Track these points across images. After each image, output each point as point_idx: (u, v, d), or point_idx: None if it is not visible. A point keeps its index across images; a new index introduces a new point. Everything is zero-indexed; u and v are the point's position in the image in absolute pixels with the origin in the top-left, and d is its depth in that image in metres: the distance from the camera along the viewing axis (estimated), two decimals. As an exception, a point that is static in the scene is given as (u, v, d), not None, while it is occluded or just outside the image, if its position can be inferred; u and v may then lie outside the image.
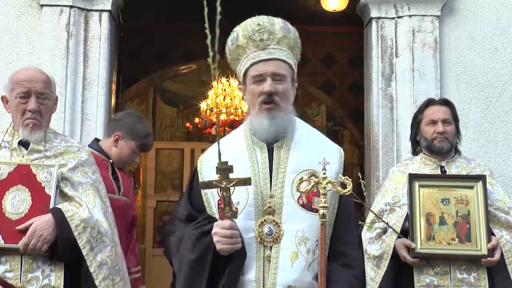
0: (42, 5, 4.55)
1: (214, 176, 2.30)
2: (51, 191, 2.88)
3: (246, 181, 2.26)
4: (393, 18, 4.68)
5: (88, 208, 2.91)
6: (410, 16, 4.65)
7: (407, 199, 3.41)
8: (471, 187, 3.38)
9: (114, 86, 5.07)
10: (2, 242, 2.80)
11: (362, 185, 3.49)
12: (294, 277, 2.30)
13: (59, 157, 2.99)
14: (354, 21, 5.36)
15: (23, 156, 2.96)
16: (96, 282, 2.82)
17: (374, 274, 3.36)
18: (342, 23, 7.57)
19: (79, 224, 2.83)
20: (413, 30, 4.63)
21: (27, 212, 2.84)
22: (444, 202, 3.39)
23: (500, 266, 3.29)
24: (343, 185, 2.32)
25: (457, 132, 3.60)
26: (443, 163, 3.56)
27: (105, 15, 4.61)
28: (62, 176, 2.93)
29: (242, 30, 2.45)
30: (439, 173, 3.53)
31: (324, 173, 2.27)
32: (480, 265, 3.30)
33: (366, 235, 3.45)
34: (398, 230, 3.35)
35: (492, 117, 4.59)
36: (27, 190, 2.87)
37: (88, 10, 4.60)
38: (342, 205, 2.42)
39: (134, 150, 3.86)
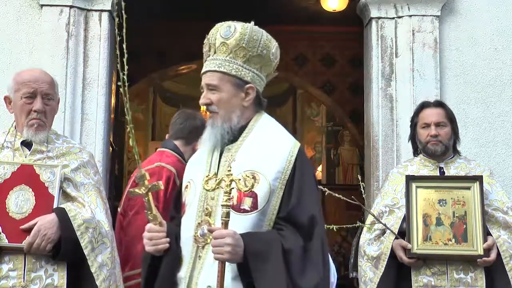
0: (42, 5, 4.55)
1: (185, 179, 2.58)
2: (54, 191, 2.89)
3: (155, 186, 2.39)
4: (393, 18, 4.68)
5: (91, 208, 2.92)
6: (410, 16, 4.65)
7: (405, 200, 3.42)
8: (468, 188, 3.39)
9: (114, 86, 5.07)
10: (6, 241, 2.80)
11: (361, 187, 3.51)
12: (214, 277, 2.31)
13: (61, 158, 3.00)
14: (354, 21, 5.36)
15: (25, 157, 2.96)
16: (97, 283, 2.83)
17: (372, 275, 3.38)
18: (342, 23, 7.56)
19: (82, 224, 2.84)
20: (413, 30, 4.63)
21: (31, 212, 2.84)
22: (441, 203, 3.40)
23: (498, 266, 3.30)
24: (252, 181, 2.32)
25: (454, 133, 3.59)
26: (442, 164, 3.56)
27: (105, 15, 4.61)
28: (64, 176, 2.94)
29: None
30: (438, 174, 3.54)
31: (229, 170, 2.30)
32: (477, 265, 3.31)
33: (365, 236, 3.47)
34: (396, 231, 3.36)
35: (492, 117, 4.59)
36: (30, 190, 2.87)
37: (88, 10, 4.60)
38: (297, 175, 2.40)
39: None
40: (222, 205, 2.26)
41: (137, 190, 2.38)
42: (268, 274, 2.25)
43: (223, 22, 2.54)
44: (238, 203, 2.36)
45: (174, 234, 2.48)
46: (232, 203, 2.34)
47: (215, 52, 2.50)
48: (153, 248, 2.42)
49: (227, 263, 2.27)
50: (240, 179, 2.29)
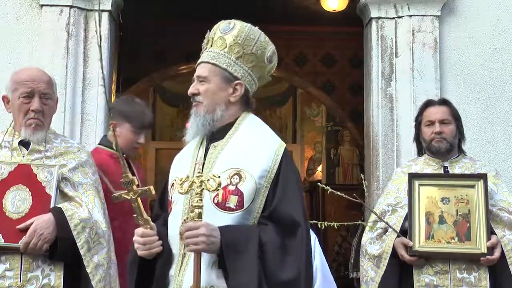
0: (42, 5, 4.55)
1: (171, 177, 2.55)
2: (51, 191, 2.88)
3: (146, 192, 2.38)
4: (393, 18, 4.68)
5: (88, 208, 2.92)
6: (410, 16, 4.65)
7: (407, 198, 3.40)
8: (472, 186, 3.35)
9: (114, 86, 5.07)
10: (3, 241, 2.80)
11: (364, 186, 3.49)
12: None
13: (59, 157, 3.00)
14: (354, 21, 5.35)
15: (23, 156, 2.96)
16: (93, 283, 2.83)
17: (374, 274, 3.35)
18: (342, 23, 7.56)
19: (78, 223, 2.84)
20: (413, 30, 4.63)
21: (28, 212, 2.84)
22: (444, 201, 3.36)
23: (502, 266, 3.25)
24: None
25: (459, 131, 3.56)
26: (446, 164, 3.52)
27: (105, 15, 4.61)
28: (62, 176, 2.94)
29: None
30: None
31: (200, 172, 2.30)
32: (481, 265, 3.26)
33: (367, 235, 3.44)
34: (398, 229, 3.34)
35: (492, 117, 4.59)
36: (27, 189, 2.87)
37: (88, 10, 4.60)
38: (282, 174, 2.40)
39: (133, 130, 3.73)
40: (194, 206, 2.25)
41: (124, 195, 2.36)
42: (241, 265, 2.24)
43: (221, 21, 2.58)
44: (223, 200, 2.35)
45: (163, 235, 2.46)
46: (218, 200, 2.34)
47: (211, 45, 2.55)
48: (147, 252, 2.40)
49: (207, 255, 2.27)
50: (208, 179, 2.26)
